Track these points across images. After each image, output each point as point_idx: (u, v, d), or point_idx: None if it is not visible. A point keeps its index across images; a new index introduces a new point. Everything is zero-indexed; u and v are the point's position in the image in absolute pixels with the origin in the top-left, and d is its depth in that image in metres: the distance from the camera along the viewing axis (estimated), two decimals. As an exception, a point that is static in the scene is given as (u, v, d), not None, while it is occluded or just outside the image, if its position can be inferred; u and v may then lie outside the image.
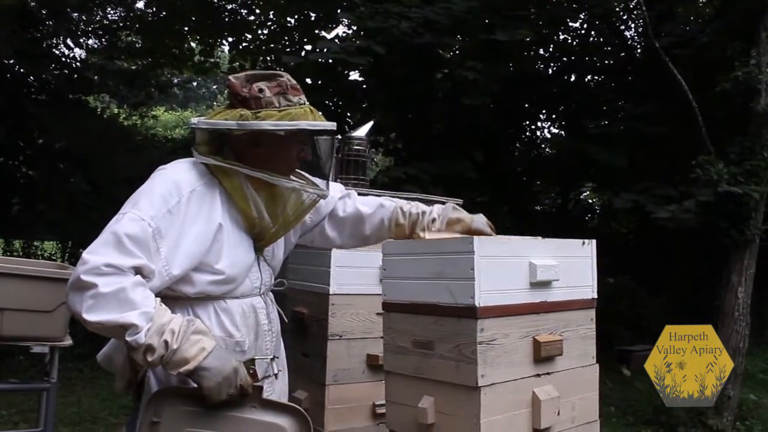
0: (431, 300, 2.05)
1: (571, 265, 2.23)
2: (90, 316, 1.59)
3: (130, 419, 1.87)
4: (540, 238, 2.25)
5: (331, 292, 2.81)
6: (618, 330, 8.59)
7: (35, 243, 10.80)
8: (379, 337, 2.45)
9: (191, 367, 1.63)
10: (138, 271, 1.65)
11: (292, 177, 1.99)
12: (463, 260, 1.94)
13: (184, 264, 1.73)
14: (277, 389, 2.03)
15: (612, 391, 6.60)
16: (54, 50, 10.97)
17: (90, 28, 11.61)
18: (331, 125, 1.95)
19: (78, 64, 11.40)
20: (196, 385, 1.67)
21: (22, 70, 9.88)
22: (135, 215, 1.67)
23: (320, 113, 1.96)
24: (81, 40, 11.53)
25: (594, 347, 2.34)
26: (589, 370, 2.30)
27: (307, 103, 1.93)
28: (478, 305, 1.91)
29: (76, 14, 10.99)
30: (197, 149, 1.87)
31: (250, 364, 1.79)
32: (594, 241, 2.34)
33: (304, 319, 2.93)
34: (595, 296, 2.33)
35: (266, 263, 1.99)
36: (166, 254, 1.69)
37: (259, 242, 1.94)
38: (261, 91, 1.84)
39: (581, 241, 2.31)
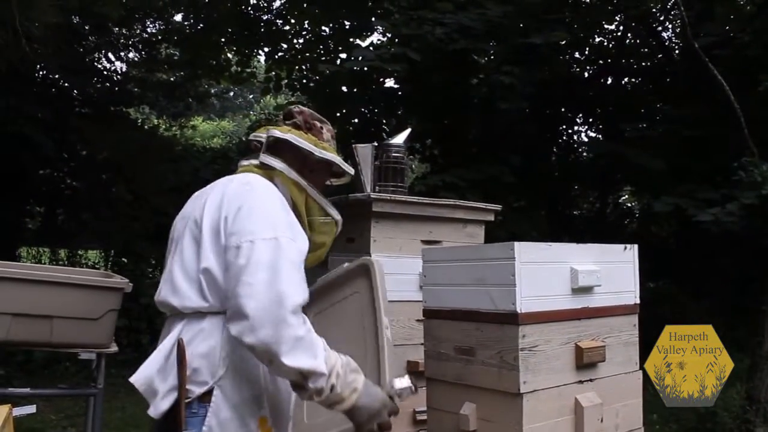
0: (472, 306, 2.05)
1: (613, 271, 2.21)
2: (289, 360, 1.64)
3: None
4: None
5: (370, 299, 2.82)
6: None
7: (79, 252, 11.07)
8: (420, 343, 2.46)
9: (346, 407, 1.73)
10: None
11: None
12: (503, 266, 1.94)
13: None
14: None
15: (654, 398, 6.47)
16: (96, 64, 11.25)
17: (130, 42, 11.88)
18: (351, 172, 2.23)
19: (119, 77, 11.68)
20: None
21: (66, 85, 10.15)
22: (291, 237, 1.76)
23: None
24: (122, 54, 11.81)
25: (637, 353, 2.31)
26: (632, 376, 2.28)
27: None
28: (519, 311, 1.91)
29: (117, 29, 11.25)
30: (272, 160, 1.98)
31: (390, 390, 1.84)
32: (636, 246, 2.32)
33: (344, 326, 2.94)
34: (638, 301, 2.31)
35: None
36: None
37: None
38: (321, 129, 2.10)
39: (623, 246, 2.29)
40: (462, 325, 2.09)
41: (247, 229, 1.72)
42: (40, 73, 9.69)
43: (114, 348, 3.36)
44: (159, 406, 1.75)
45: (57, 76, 9.92)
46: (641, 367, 2.31)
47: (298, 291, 1.68)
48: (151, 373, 1.79)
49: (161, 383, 1.76)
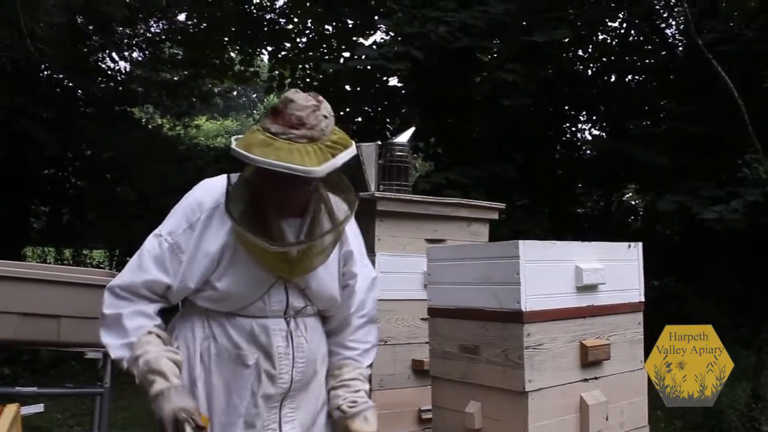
0: (477, 305, 2.05)
1: (618, 269, 2.21)
2: (101, 332, 1.79)
3: None
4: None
5: (375, 298, 2.82)
6: (665, 333, 8.40)
7: (84, 251, 11.10)
8: (424, 342, 2.47)
9: (149, 397, 1.72)
10: (151, 286, 1.78)
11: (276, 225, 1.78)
12: (508, 265, 1.95)
13: (199, 279, 1.79)
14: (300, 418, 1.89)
15: (659, 395, 6.46)
16: (100, 64, 11.27)
17: (134, 42, 11.88)
18: (286, 167, 1.60)
19: (123, 76, 11.69)
20: None
21: (70, 84, 10.17)
22: (157, 232, 1.81)
23: (322, 156, 1.65)
24: (126, 53, 11.82)
25: (642, 351, 2.31)
26: (637, 374, 2.28)
27: (302, 139, 1.65)
28: (524, 310, 1.91)
29: (120, 28, 11.26)
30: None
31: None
32: (640, 244, 2.32)
33: (349, 325, 2.95)
34: (643, 299, 2.31)
35: (298, 289, 1.85)
36: (184, 269, 1.78)
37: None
38: (289, 115, 1.68)
39: (627, 243, 2.29)
40: (467, 324, 2.09)
41: None
42: (45, 72, 9.70)
43: (120, 347, 3.36)
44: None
45: (61, 76, 9.92)
46: (646, 365, 2.32)
47: (126, 273, 1.79)
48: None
49: None
